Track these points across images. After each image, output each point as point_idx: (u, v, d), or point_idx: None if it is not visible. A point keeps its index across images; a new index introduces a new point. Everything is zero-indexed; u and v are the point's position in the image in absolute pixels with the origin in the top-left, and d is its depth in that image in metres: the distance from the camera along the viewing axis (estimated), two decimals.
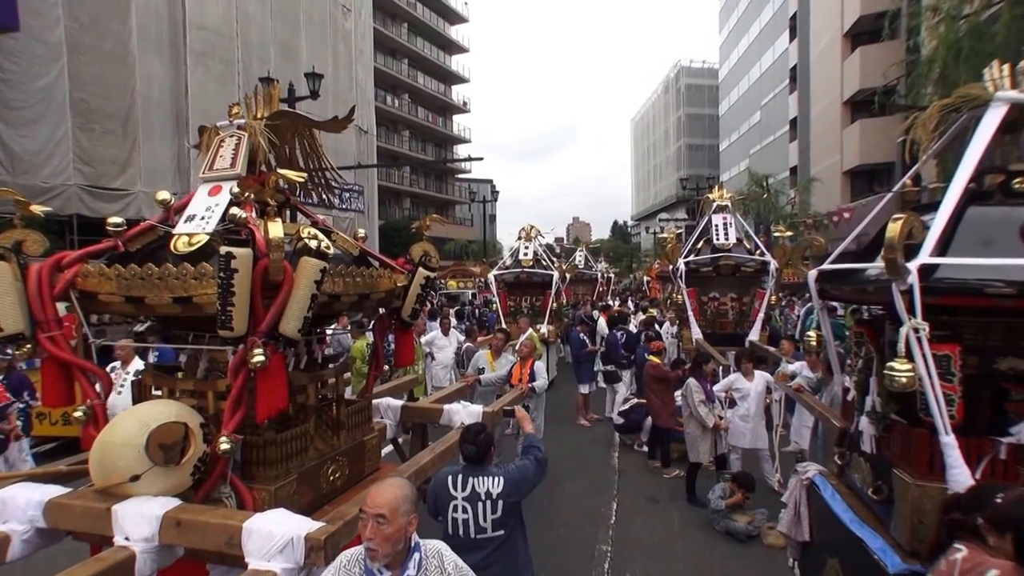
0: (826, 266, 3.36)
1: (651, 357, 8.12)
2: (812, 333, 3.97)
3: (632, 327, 11.59)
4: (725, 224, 9.91)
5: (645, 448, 8.29)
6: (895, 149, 21.45)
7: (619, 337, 10.22)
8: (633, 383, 9.73)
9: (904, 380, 2.32)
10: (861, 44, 25.27)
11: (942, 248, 2.47)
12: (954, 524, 2.23)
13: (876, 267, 2.64)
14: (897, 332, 2.44)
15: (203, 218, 2.80)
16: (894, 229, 2.33)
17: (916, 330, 2.36)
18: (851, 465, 3.37)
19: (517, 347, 7.43)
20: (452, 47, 50.29)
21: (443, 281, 27.76)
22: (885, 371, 2.41)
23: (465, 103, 52.21)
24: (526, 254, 12.88)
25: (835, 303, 8.80)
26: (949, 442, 2.38)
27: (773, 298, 9.91)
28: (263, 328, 2.51)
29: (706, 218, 10.28)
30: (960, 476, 2.36)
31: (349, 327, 9.42)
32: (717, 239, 9.83)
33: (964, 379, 2.49)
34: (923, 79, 14.24)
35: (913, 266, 2.36)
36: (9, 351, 6.55)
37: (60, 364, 2.69)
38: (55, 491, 2.62)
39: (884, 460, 2.89)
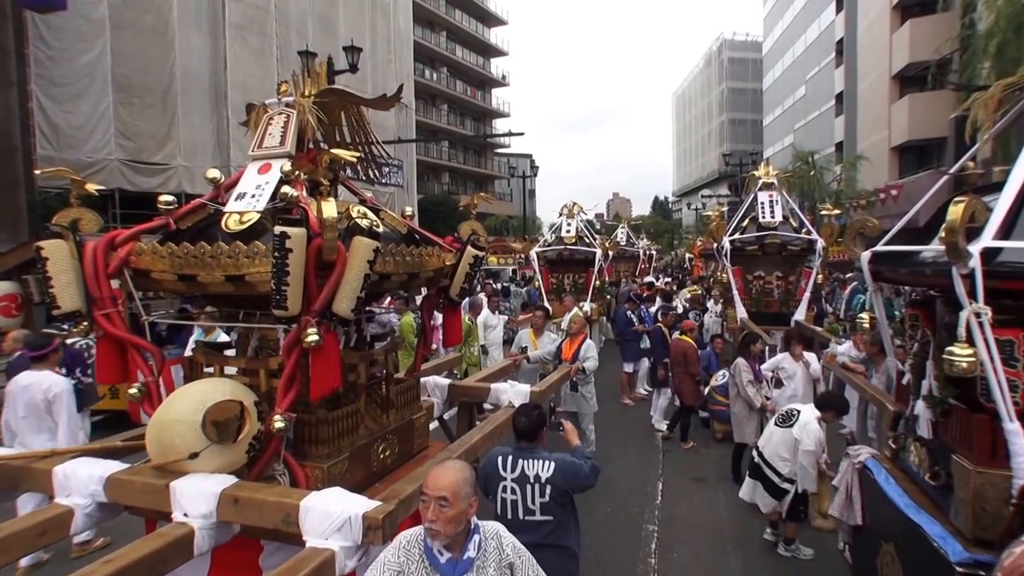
0: (881, 247, 3.29)
1: (684, 337, 8.02)
2: (865, 315, 3.90)
3: (675, 304, 11.47)
4: (771, 202, 9.68)
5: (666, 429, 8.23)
6: (945, 124, 20.61)
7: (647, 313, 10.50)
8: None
9: (964, 365, 2.27)
10: (911, 16, 24.21)
11: (1006, 231, 2.39)
12: None
13: (935, 249, 2.57)
14: (955, 315, 2.37)
15: (253, 196, 2.75)
16: (956, 211, 2.24)
17: (977, 315, 2.29)
18: (906, 449, 3.32)
19: (567, 323, 7.34)
20: (491, 19, 49.29)
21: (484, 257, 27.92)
22: (944, 356, 2.35)
23: (504, 76, 51.33)
24: (568, 231, 12.72)
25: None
26: (1014, 429, 2.33)
27: (820, 277, 9.67)
28: (317, 307, 2.47)
29: (752, 195, 10.05)
30: None
31: (394, 306, 9.46)
32: (763, 217, 9.60)
33: None
34: (980, 54, 13.59)
35: (975, 249, 2.29)
36: (66, 327, 6.72)
37: (115, 341, 2.69)
38: (114, 466, 2.64)
39: (942, 445, 2.84)
